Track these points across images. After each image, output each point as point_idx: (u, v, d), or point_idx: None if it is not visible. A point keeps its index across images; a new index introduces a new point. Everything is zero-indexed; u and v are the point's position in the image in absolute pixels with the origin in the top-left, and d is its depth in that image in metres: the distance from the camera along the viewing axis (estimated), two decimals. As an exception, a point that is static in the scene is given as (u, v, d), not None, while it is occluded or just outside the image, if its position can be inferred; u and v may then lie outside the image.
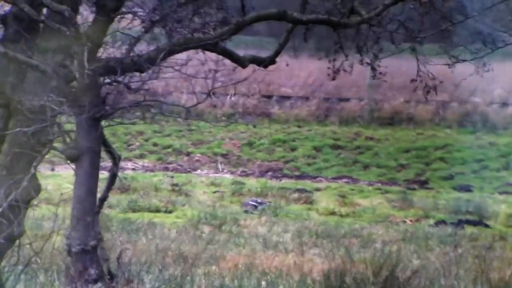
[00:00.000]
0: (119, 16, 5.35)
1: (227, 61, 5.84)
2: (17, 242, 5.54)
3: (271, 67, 6.22)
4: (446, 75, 7.29)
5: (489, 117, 22.01)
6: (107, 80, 5.33)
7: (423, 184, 18.08)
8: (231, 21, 5.73)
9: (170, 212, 13.43)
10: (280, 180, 17.80)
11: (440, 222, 13.28)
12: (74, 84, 5.19)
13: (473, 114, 22.17)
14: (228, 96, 22.14)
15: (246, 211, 13.69)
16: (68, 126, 5.34)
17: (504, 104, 22.64)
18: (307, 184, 17.36)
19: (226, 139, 20.64)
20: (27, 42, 5.28)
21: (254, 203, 14.18)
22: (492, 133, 21.22)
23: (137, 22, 5.44)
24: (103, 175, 5.60)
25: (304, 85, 23.37)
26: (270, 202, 14.38)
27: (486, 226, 13.22)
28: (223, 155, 19.94)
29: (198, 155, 19.98)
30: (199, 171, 18.90)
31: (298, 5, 5.97)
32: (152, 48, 5.45)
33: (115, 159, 5.62)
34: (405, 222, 13.58)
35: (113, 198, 13.29)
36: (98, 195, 5.48)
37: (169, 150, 20.19)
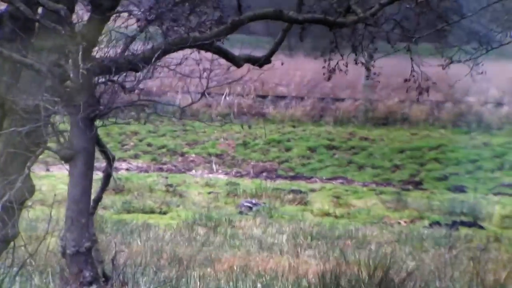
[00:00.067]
0: (114, 15, 5.32)
1: (222, 61, 5.81)
2: (11, 243, 5.49)
3: (266, 67, 6.19)
4: (440, 75, 7.28)
5: (484, 117, 22.03)
6: (102, 80, 5.29)
7: (418, 184, 18.09)
8: (227, 20, 5.70)
9: (165, 213, 13.39)
10: (275, 181, 17.78)
11: (435, 223, 13.27)
12: (68, 84, 5.15)
13: (468, 114, 22.20)
14: (223, 96, 22.13)
15: (241, 212, 13.65)
16: (62, 126, 5.30)
17: (499, 104, 22.67)
18: (302, 184, 17.35)
19: (220, 139, 20.61)
20: (23, 41, 5.24)
21: (249, 204, 14.15)
22: (487, 133, 21.24)
23: (132, 21, 5.41)
24: (97, 175, 5.56)
25: (299, 85, 23.38)
26: (264, 203, 14.35)
27: (481, 227, 13.21)
28: (217, 156, 19.91)
29: (193, 155, 19.95)
30: (193, 171, 18.87)
31: (294, 4, 5.95)
32: (147, 47, 5.42)
33: (109, 159, 5.58)
34: (399, 223, 13.56)
35: (107, 199, 13.25)
36: (92, 196, 5.44)
37: (164, 150, 20.15)
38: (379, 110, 22.50)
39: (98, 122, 5.32)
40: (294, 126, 21.84)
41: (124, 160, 19.17)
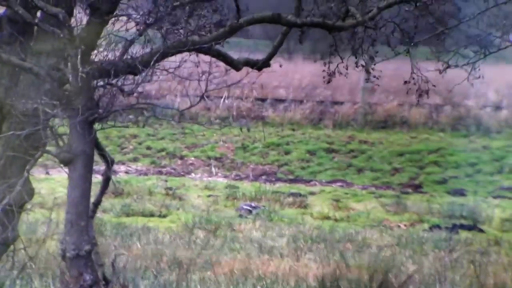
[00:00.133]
0: (113, 19, 5.32)
1: (221, 63, 5.81)
2: (11, 247, 5.49)
3: (265, 70, 6.20)
4: (439, 79, 7.28)
5: (483, 120, 22.04)
6: (101, 83, 5.29)
7: (417, 188, 18.08)
8: (225, 23, 5.70)
9: (164, 216, 13.38)
10: (274, 184, 17.78)
11: (435, 227, 13.26)
12: (67, 87, 5.15)
13: (467, 117, 22.20)
14: (222, 99, 22.13)
15: (240, 216, 13.64)
16: (61, 130, 5.30)
17: (498, 108, 22.67)
18: (301, 188, 17.34)
19: (220, 143, 20.61)
20: (21, 44, 5.24)
21: (248, 208, 14.14)
22: (486, 137, 21.24)
23: (131, 24, 5.41)
24: (97, 179, 5.56)
25: (298, 89, 23.38)
26: (264, 206, 14.35)
27: (481, 230, 13.20)
28: (217, 159, 19.91)
29: (192, 158, 19.94)
30: (193, 174, 18.86)
31: (293, 8, 5.95)
32: (146, 50, 5.42)
33: (108, 163, 5.57)
34: (399, 226, 13.56)
35: (106, 202, 13.24)
36: (92, 199, 5.44)
37: (163, 153, 20.14)
38: (378, 114, 22.50)
39: (97, 125, 5.32)
40: (293, 129, 21.84)
41: (123, 163, 19.17)
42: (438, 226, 13.27)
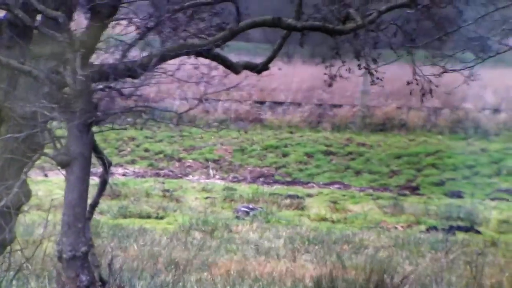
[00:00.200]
0: (113, 22, 5.34)
1: (220, 66, 5.83)
2: (8, 248, 5.51)
3: (264, 73, 6.21)
4: (438, 81, 7.29)
5: (481, 123, 22.07)
6: (100, 86, 5.31)
7: (415, 190, 18.12)
8: (225, 27, 5.72)
9: (161, 218, 13.41)
10: (272, 186, 17.80)
11: (432, 228, 13.30)
12: (66, 90, 5.17)
13: (465, 120, 22.23)
14: (220, 102, 22.14)
15: (237, 217, 13.67)
16: (59, 132, 5.32)
17: (496, 110, 22.71)
18: (299, 190, 17.37)
19: (218, 145, 20.63)
20: (21, 48, 5.26)
21: (245, 209, 14.16)
22: (484, 139, 21.27)
23: (131, 28, 5.43)
24: (94, 181, 5.59)
25: (296, 91, 23.39)
26: (261, 208, 14.37)
27: (477, 232, 13.24)
28: (214, 161, 19.93)
29: (190, 160, 19.96)
30: (190, 177, 18.88)
31: (293, 11, 5.96)
32: (145, 54, 5.44)
33: (106, 165, 5.60)
34: (396, 228, 13.59)
35: (103, 204, 13.26)
36: (89, 201, 5.46)
37: (161, 155, 20.16)
38: (376, 116, 22.53)
39: (95, 128, 5.34)
40: (291, 132, 21.87)
41: (121, 166, 19.18)
42: (435, 228, 13.31)
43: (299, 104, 22.89)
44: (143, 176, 18.40)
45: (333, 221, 13.86)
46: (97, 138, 5.45)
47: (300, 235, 11.91)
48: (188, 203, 15.13)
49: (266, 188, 16.99)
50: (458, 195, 17.41)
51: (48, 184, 15.38)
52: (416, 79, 6.63)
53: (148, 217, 13.35)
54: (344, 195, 16.95)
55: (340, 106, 22.78)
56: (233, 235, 11.87)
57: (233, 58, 6.07)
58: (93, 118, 5.18)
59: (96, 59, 5.31)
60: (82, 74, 4.92)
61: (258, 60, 6.19)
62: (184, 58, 5.63)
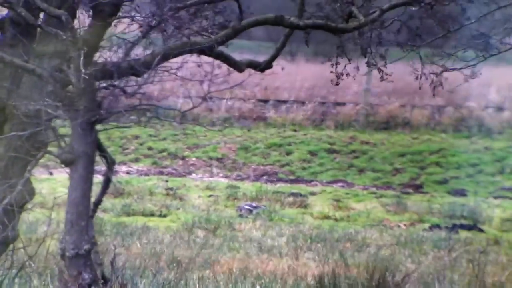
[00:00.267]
0: (116, 21, 5.35)
1: (223, 65, 5.84)
2: (11, 246, 5.53)
3: (267, 71, 6.22)
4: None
5: (484, 121, 22.06)
6: (103, 84, 5.32)
7: (418, 188, 18.12)
8: (228, 25, 5.73)
9: (165, 216, 13.43)
10: (275, 184, 17.82)
11: (435, 227, 13.30)
12: (70, 88, 5.19)
13: (468, 118, 22.22)
14: (224, 100, 22.16)
15: (240, 215, 13.68)
16: (63, 130, 5.34)
17: (499, 109, 22.69)
18: (302, 188, 17.38)
19: (221, 143, 20.64)
20: (24, 46, 5.28)
21: (249, 207, 14.18)
22: (487, 138, 21.26)
23: (134, 26, 5.44)
24: (98, 179, 5.60)
25: (300, 90, 23.40)
26: (265, 206, 14.39)
27: (481, 230, 13.24)
28: (218, 159, 19.95)
29: (193, 159, 19.98)
30: (194, 175, 18.90)
31: (296, 9, 5.96)
32: (148, 52, 5.45)
33: (109, 163, 5.61)
34: (399, 226, 13.60)
35: (107, 202, 13.28)
36: (92, 199, 5.48)
37: (164, 154, 20.18)
38: (379, 114, 22.52)
39: (99, 126, 5.35)
40: (295, 130, 21.87)
41: (125, 164, 19.21)
42: (438, 226, 13.31)
43: (302, 103, 22.90)
44: (146, 174, 18.43)
45: (336, 219, 13.87)
46: (101, 136, 5.47)
47: (303, 233, 11.93)
48: (192, 201, 15.15)
49: (269, 186, 17.01)
50: (461, 193, 17.40)
51: (52, 182, 15.43)
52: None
53: (151, 215, 13.37)
54: (347, 193, 16.95)
55: (343, 104, 22.78)
56: (236, 233, 11.88)
57: (236, 56, 6.08)
58: (97, 116, 5.20)
59: (99, 57, 5.32)
60: (85, 73, 4.94)
61: (261, 58, 6.20)
62: (187, 56, 5.64)
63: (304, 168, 19.58)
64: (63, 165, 5.28)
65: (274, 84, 22.81)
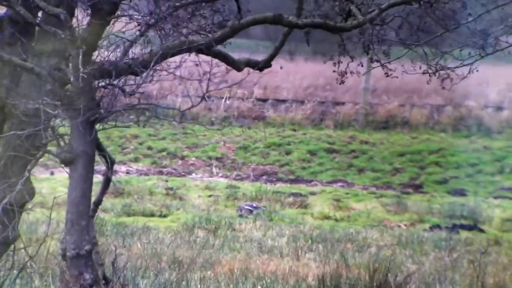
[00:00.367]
0: (114, 20, 5.33)
1: (222, 64, 5.81)
2: (11, 246, 5.51)
3: (266, 70, 6.19)
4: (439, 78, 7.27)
5: (484, 121, 22.06)
6: (102, 84, 5.30)
7: (418, 188, 18.11)
8: (226, 24, 5.71)
9: (165, 216, 13.42)
10: (275, 184, 17.80)
11: (435, 227, 13.29)
12: (68, 87, 5.17)
13: (468, 118, 22.23)
14: (223, 100, 22.15)
15: (241, 215, 13.67)
16: (62, 130, 5.32)
17: (499, 108, 22.70)
18: (302, 188, 17.37)
19: (221, 143, 20.63)
20: (23, 45, 5.26)
21: (249, 207, 14.17)
22: (487, 137, 21.26)
23: (132, 25, 5.42)
24: (98, 178, 5.58)
25: (299, 89, 23.40)
26: (265, 206, 14.37)
27: (481, 230, 13.23)
28: (218, 159, 19.93)
29: (193, 158, 19.96)
30: (193, 174, 18.88)
31: (294, 8, 5.94)
32: (147, 51, 5.42)
33: (109, 163, 5.59)
34: (399, 226, 13.58)
35: (107, 202, 13.28)
36: (93, 198, 5.45)
37: (164, 153, 20.17)
38: (379, 114, 22.53)
39: (98, 126, 5.32)
40: (294, 130, 21.86)
41: (124, 163, 19.20)
42: (438, 226, 13.31)
43: (301, 102, 22.90)
44: (146, 174, 18.42)
45: (336, 219, 13.86)
46: (100, 135, 5.44)
47: (303, 233, 11.91)
48: (192, 201, 15.13)
49: (269, 186, 17.00)
50: (461, 193, 17.40)
51: (52, 182, 15.42)
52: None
53: (152, 215, 13.36)
54: (347, 193, 16.94)
55: (342, 103, 22.78)
56: (236, 233, 11.87)
57: (235, 55, 6.05)
58: (96, 116, 5.17)
59: (98, 56, 5.29)
60: (84, 71, 4.91)
61: (260, 57, 6.17)
62: (185, 55, 5.62)
63: (303, 168, 19.56)
64: (62, 165, 5.26)
65: (273, 84, 22.82)
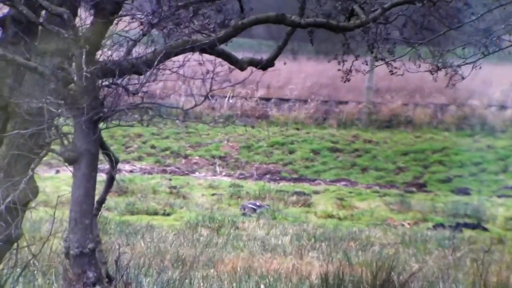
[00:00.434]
0: (117, 19, 5.34)
1: (225, 63, 5.82)
2: (15, 245, 5.52)
3: (269, 69, 6.20)
4: (443, 77, 7.28)
5: (487, 120, 22.04)
6: (106, 83, 5.31)
7: (421, 187, 18.10)
8: (229, 23, 5.72)
9: (168, 214, 13.44)
10: (278, 183, 17.81)
11: (438, 225, 13.29)
12: (72, 87, 5.18)
13: (471, 117, 22.20)
14: (226, 99, 22.17)
15: (244, 214, 13.69)
16: (66, 129, 5.33)
17: (503, 107, 22.68)
18: (305, 187, 17.38)
19: (224, 142, 20.64)
20: (26, 44, 5.27)
21: (252, 206, 14.18)
22: (490, 136, 21.24)
23: (135, 24, 5.43)
24: (101, 177, 5.60)
25: (302, 88, 23.40)
26: (268, 205, 14.38)
27: (485, 229, 13.23)
28: (221, 158, 19.94)
29: (196, 157, 19.98)
30: (197, 173, 18.90)
31: (296, 8, 5.94)
32: (150, 50, 5.44)
33: (113, 162, 5.60)
34: (403, 225, 13.58)
35: (111, 200, 13.30)
36: (96, 197, 5.47)
37: (167, 152, 20.19)
38: (382, 113, 22.52)
39: (102, 125, 5.34)
40: (297, 129, 21.87)
41: (128, 162, 19.22)
42: (442, 225, 13.31)
43: (305, 101, 22.90)
44: (150, 173, 18.43)
45: (339, 218, 13.86)
46: (104, 134, 5.46)
47: (307, 232, 11.92)
48: (195, 199, 15.15)
49: (272, 185, 17.02)
50: (465, 192, 17.39)
51: (56, 181, 15.45)
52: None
53: (155, 213, 13.38)
54: (350, 192, 16.94)
55: (346, 102, 22.77)
56: (239, 232, 11.88)
57: (237, 55, 6.06)
58: (100, 115, 5.18)
59: (101, 55, 5.31)
60: (87, 71, 4.93)
61: (262, 56, 6.18)
62: (188, 54, 5.63)
63: (307, 167, 19.57)
64: (66, 164, 5.27)
65: (276, 83, 22.82)
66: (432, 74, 6.61)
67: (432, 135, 21.53)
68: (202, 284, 7.26)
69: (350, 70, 6.52)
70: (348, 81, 6.60)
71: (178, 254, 9.35)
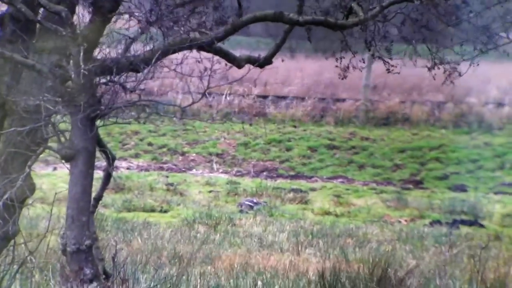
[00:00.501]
0: (115, 17, 5.35)
1: (223, 60, 5.83)
2: (12, 241, 5.53)
3: (267, 67, 6.21)
4: (441, 75, 7.29)
5: (485, 117, 22.08)
6: (103, 80, 5.32)
7: (418, 184, 18.13)
8: (227, 21, 5.72)
9: (165, 211, 13.45)
10: (275, 180, 17.83)
11: (435, 222, 13.31)
12: (69, 84, 5.19)
13: (469, 114, 22.24)
14: (224, 96, 22.18)
15: (241, 211, 13.70)
16: (63, 126, 5.34)
17: (500, 104, 22.71)
18: (302, 184, 17.40)
19: (221, 139, 20.65)
20: (24, 42, 5.28)
21: (249, 203, 14.20)
22: (487, 133, 21.28)
23: (133, 22, 5.44)
24: (98, 174, 5.61)
25: (300, 85, 23.41)
26: (265, 202, 14.40)
27: (481, 226, 13.26)
28: (218, 155, 19.96)
29: (193, 154, 19.99)
30: (194, 170, 18.91)
31: (295, 5, 5.95)
32: (148, 48, 5.45)
33: (110, 159, 5.61)
34: (400, 222, 13.61)
35: (108, 197, 13.31)
36: (93, 194, 5.48)
37: (164, 149, 20.20)
38: (379, 110, 22.55)
39: (98, 122, 5.35)
40: (294, 126, 21.89)
41: (125, 159, 19.23)
42: (438, 222, 13.33)
43: (302, 98, 22.91)
44: (147, 170, 18.44)
45: (336, 215, 13.88)
46: (101, 132, 5.47)
47: (304, 229, 11.94)
48: (192, 197, 15.16)
49: (269, 182, 17.03)
50: (461, 189, 17.42)
51: (52, 178, 15.45)
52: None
53: (152, 210, 13.39)
54: (347, 189, 16.97)
55: (343, 100, 22.80)
56: (236, 228, 11.89)
57: (235, 52, 6.07)
58: (97, 112, 5.19)
59: (99, 53, 5.32)
60: (85, 68, 4.94)
61: (260, 54, 6.19)
62: (186, 52, 5.64)
63: (304, 164, 19.59)
64: (63, 161, 5.28)
65: (274, 80, 22.84)
66: (430, 71, 6.62)
67: (429, 132, 21.55)
68: (199, 281, 7.26)
69: (348, 67, 6.52)
70: (345, 78, 6.61)
71: (175, 251, 9.36)
